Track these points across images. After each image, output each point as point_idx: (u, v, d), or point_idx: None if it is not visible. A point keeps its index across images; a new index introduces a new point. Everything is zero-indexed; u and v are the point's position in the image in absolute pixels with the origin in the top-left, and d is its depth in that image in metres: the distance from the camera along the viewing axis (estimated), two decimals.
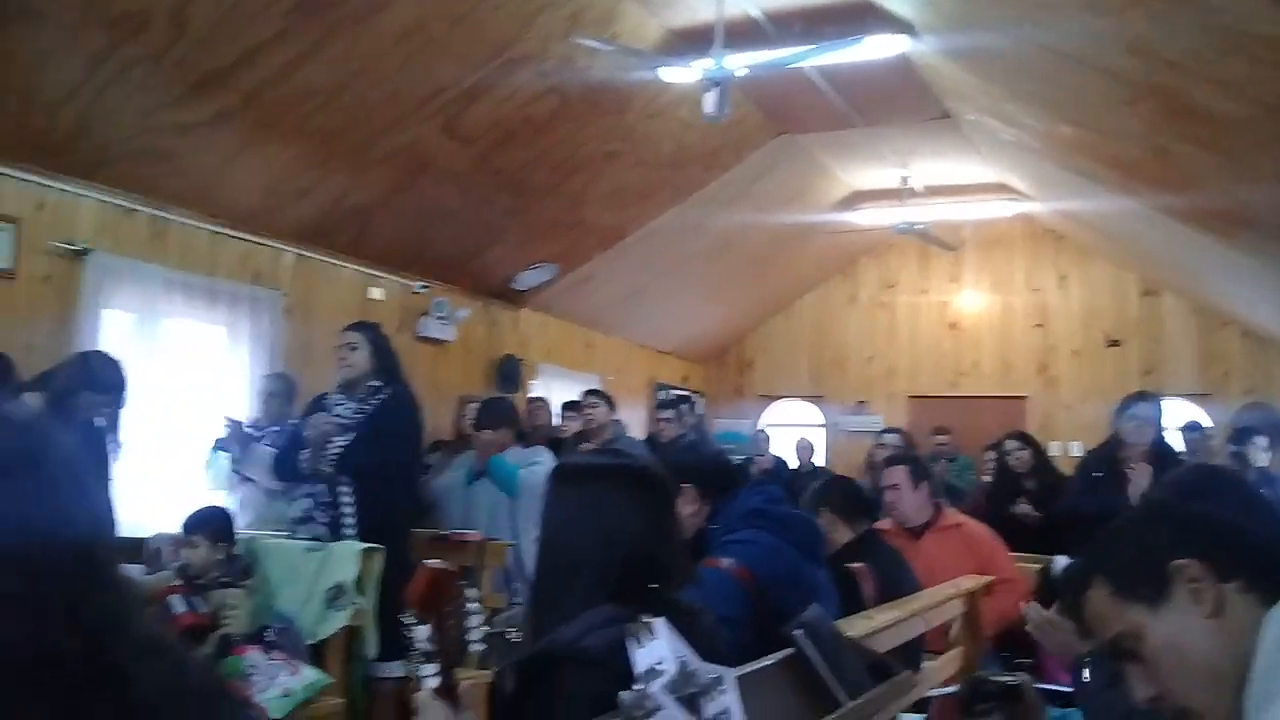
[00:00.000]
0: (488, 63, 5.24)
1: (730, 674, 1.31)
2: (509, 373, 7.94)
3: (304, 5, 4.39)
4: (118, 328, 5.16)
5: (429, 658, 1.46)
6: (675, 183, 7.27)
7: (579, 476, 1.63)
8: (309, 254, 6.32)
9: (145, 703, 0.81)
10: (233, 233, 5.82)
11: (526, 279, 7.73)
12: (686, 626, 1.35)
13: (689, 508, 2.43)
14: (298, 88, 4.86)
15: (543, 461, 5.13)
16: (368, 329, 4.26)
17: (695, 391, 10.82)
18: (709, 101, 4.84)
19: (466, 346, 7.68)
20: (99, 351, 4.23)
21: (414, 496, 4.50)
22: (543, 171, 6.39)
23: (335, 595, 3.79)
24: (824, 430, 10.72)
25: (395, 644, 3.93)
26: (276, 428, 5.05)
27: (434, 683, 1.47)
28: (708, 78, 4.74)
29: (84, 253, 5.03)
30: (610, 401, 5.97)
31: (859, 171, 8.48)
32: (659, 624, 1.27)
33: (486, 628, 1.52)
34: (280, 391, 5.28)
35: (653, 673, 1.22)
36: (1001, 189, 8.64)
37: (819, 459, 9.23)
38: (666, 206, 7.58)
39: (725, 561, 2.27)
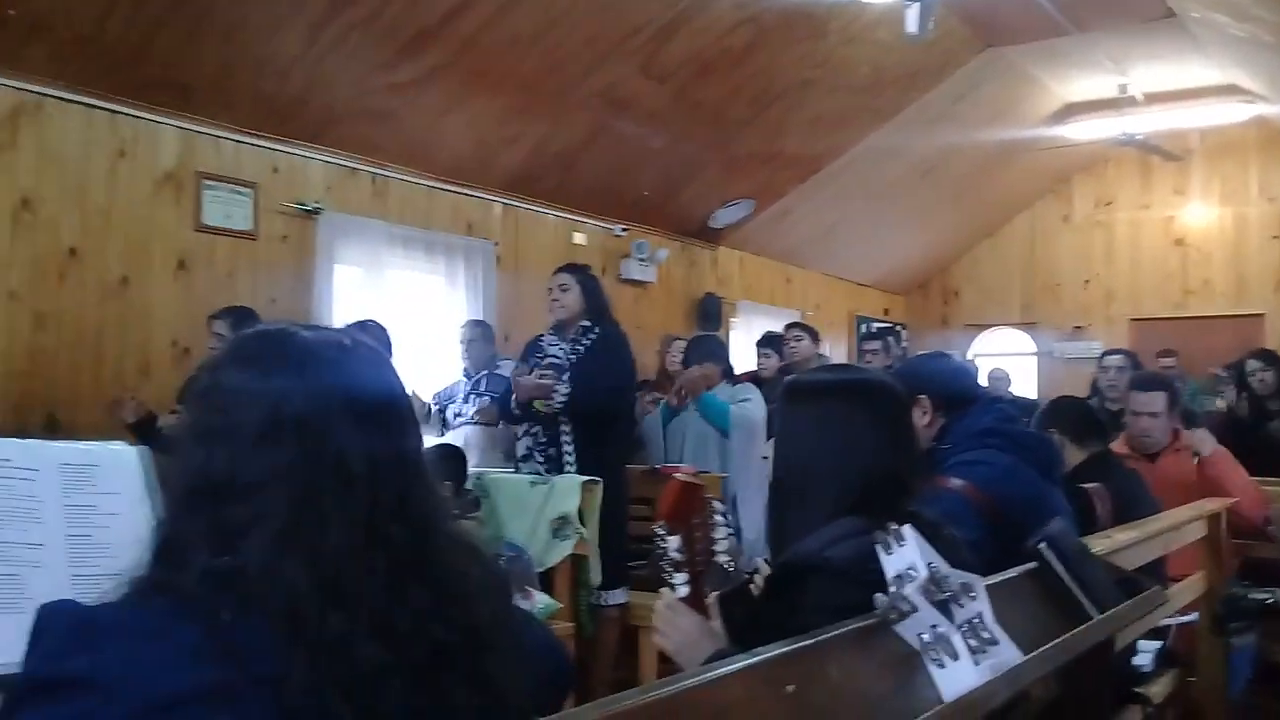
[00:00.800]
0: None
1: (979, 581, 1.31)
2: (710, 311, 7.99)
3: None
4: (347, 281, 5.51)
5: (678, 567, 1.53)
6: (874, 108, 7.07)
7: (815, 393, 1.63)
8: (516, 203, 6.54)
9: (456, 587, 0.93)
10: (446, 186, 6.09)
11: (724, 216, 7.73)
12: (930, 536, 1.35)
13: (923, 419, 2.38)
14: (503, 37, 5.00)
15: (751, 398, 5.17)
16: (578, 271, 4.39)
17: (898, 324, 10.58)
18: (911, 19, 4.69)
19: (667, 287, 7.78)
20: (373, 320, 4.55)
21: (628, 433, 4.62)
22: (740, 104, 6.35)
23: (560, 526, 3.97)
24: (1035, 359, 10.29)
25: (617, 573, 4.10)
26: (484, 371, 5.31)
27: (684, 591, 1.54)
28: None
29: (315, 212, 5.39)
30: (814, 334, 5.93)
31: (1072, 82, 7.99)
32: (907, 530, 1.28)
33: (732, 539, 1.57)
34: (479, 337, 5.48)
35: (904, 577, 1.24)
36: (1232, 91, 7.95)
37: (1027, 389, 8.87)
38: (865, 133, 7.40)
39: (956, 482, 2.24)
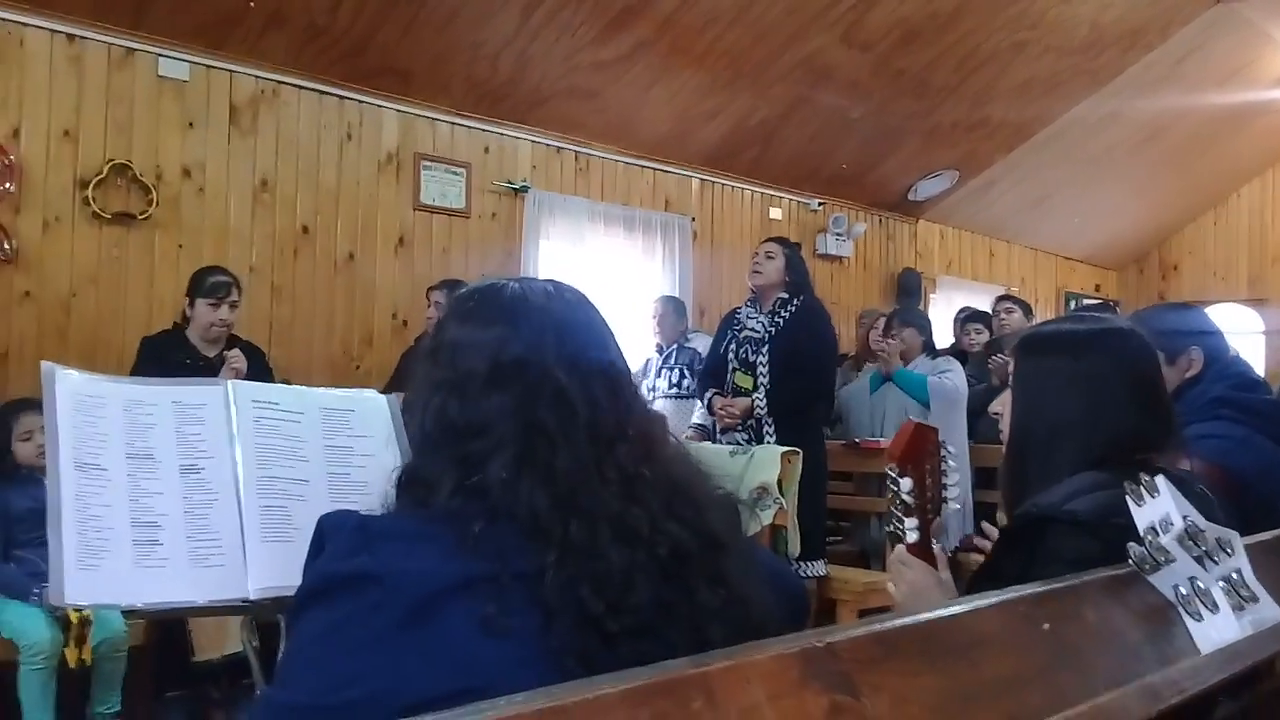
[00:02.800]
0: None
1: (1236, 536, 1.24)
2: (909, 286, 7.79)
3: None
4: (551, 256, 5.69)
5: (908, 511, 1.52)
6: (1090, 70, 6.70)
7: (1060, 345, 1.55)
8: (713, 179, 6.58)
9: (684, 494, 1.01)
10: (645, 163, 6.19)
11: (924, 188, 7.52)
12: (1183, 490, 1.29)
13: (1187, 370, 2.25)
14: (706, 10, 5.03)
15: (952, 370, 5.03)
16: (786, 243, 4.38)
17: (1110, 300, 10.03)
18: None
19: (864, 261, 7.65)
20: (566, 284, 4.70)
21: (828, 407, 4.58)
22: (944, 71, 6.15)
23: (760, 495, 3.97)
24: (1263, 338, 9.55)
25: (815, 545, 4.08)
26: (674, 344, 5.43)
27: (913, 537, 1.52)
28: None
29: (523, 190, 5.59)
30: (1026, 308, 5.69)
31: None
32: (1161, 480, 1.23)
33: (959, 489, 1.54)
34: (670, 311, 5.58)
35: (1159, 528, 1.19)
36: None
37: (1255, 369, 8.22)
38: (1079, 98, 7.02)
39: (1191, 462, 2.11)
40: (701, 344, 5.64)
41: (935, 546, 1.56)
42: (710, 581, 0.95)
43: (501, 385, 0.99)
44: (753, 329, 4.23)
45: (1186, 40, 6.82)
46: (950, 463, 1.53)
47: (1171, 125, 7.97)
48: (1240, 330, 9.54)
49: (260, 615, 1.41)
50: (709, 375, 4.42)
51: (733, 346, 4.27)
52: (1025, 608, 0.97)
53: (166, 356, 3.70)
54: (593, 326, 1.09)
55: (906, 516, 1.52)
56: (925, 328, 5.24)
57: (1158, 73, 7.06)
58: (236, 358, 3.74)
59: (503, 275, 1.13)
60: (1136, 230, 9.83)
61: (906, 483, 1.49)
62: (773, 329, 4.18)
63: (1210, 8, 6.61)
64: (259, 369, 3.88)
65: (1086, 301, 9.15)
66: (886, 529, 1.63)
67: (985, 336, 5.97)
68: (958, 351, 5.98)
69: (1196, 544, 1.20)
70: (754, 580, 1.00)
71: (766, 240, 4.42)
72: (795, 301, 4.22)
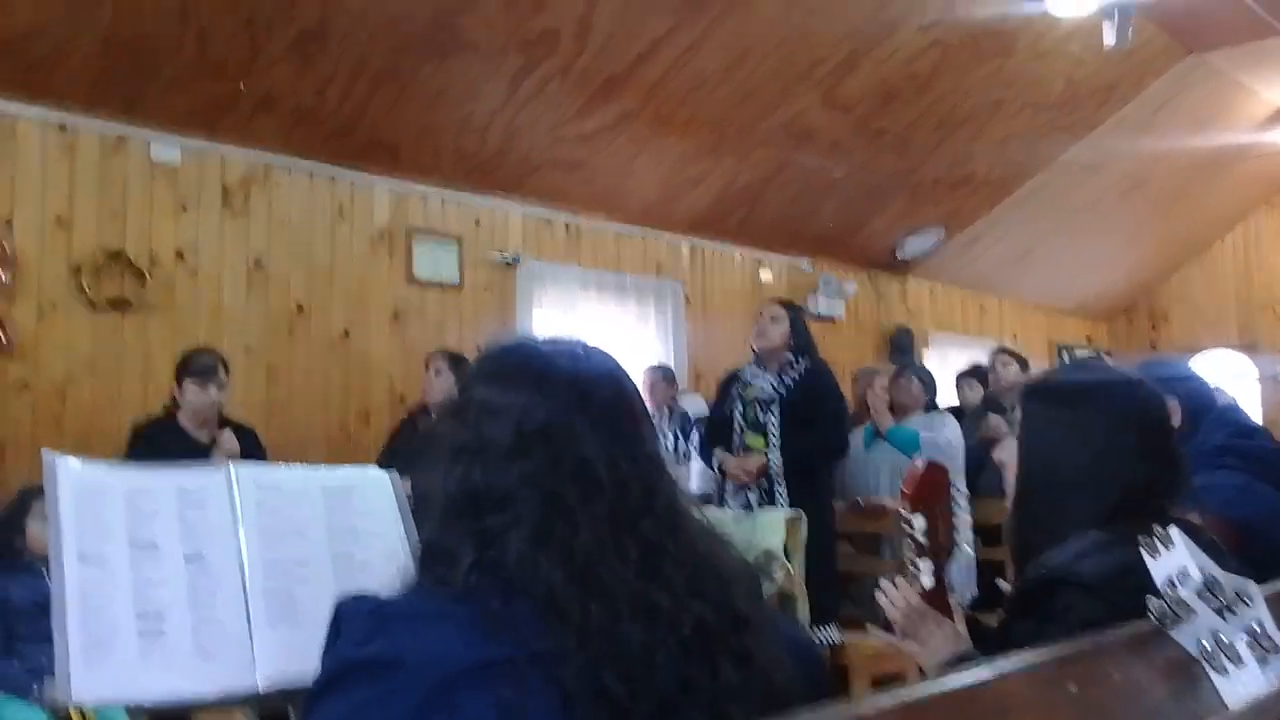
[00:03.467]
0: (865, 25, 5.21)
1: (1255, 587, 1.23)
2: (902, 344, 7.82)
3: None
4: (546, 325, 5.70)
5: (921, 552, 1.50)
6: (1067, 125, 6.81)
7: (1067, 395, 1.53)
8: (702, 242, 6.63)
9: (708, 568, 0.99)
10: (635, 230, 6.24)
11: (912, 246, 7.58)
12: (1194, 540, 1.28)
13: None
14: (690, 79, 5.11)
15: (946, 426, 5.04)
16: (791, 307, 4.41)
17: (1103, 351, 10.08)
18: (1109, 31, 4.53)
19: (856, 321, 7.69)
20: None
21: (835, 467, 4.55)
22: (925, 130, 6.25)
23: (765, 561, 3.94)
24: (1258, 384, 9.58)
25: (826, 609, 4.02)
26: (665, 409, 5.54)
27: (929, 582, 1.50)
28: (1108, 3, 4.41)
29: (515, 261, 5.62)
30: (1023, 362, 5.70)
31: None
32: (1174, 532, 1.22)
33: (974, 534, 1.53)
34: (660, 379, 5.68)
35: (1177, 580, 1.18)
36: None
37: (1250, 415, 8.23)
38: (1059, 151, 7.13)
39: (1192, 517, 2.09)
40: (691, 405, 5.66)
41: (951, 598, 1.54)
42: (734, 659, 0.94)
43: (525, 454, 0.98)
44: (760, 388, 4.21)
45: (1160, 92, 6.96)
46: (960, 503, 1.53)
47: (1152, 174, 8.10)
48: (1233, 376, 9.57)
49: (267, 706, 1.38)
50: (713, 437, 4.40)
51: (739, 407, 4.24)
52: (1051, 670, 0.95)
53: (158, 442, 3.68)
54: (620, 393, 1.07)
55: (920, 558, 1.50)
56: (929, 384, 5.24)
57: (1135, 124, 7.18)
58: (228, 440, 3.72)
59: (531, 335, 1.13)
60: (1125, 280, 9.92)
61: (920, 521, 1.48)
62: (782, 390, 4.17)
63: (1181, 60, 6.75)
64: (251, 448, 3.86)
65: (1079, 352, 9.19)
66: (894, 575, 1.61)
67: (978, 391, 5.99)
68: (955, 409, 5.98)
69: (1215, 596, 1.19)
70: (776, 653, 0.99)
71: (770, 302, 4.44)
72: (801, 361, 4.22)
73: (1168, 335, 10.24)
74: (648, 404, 5.39)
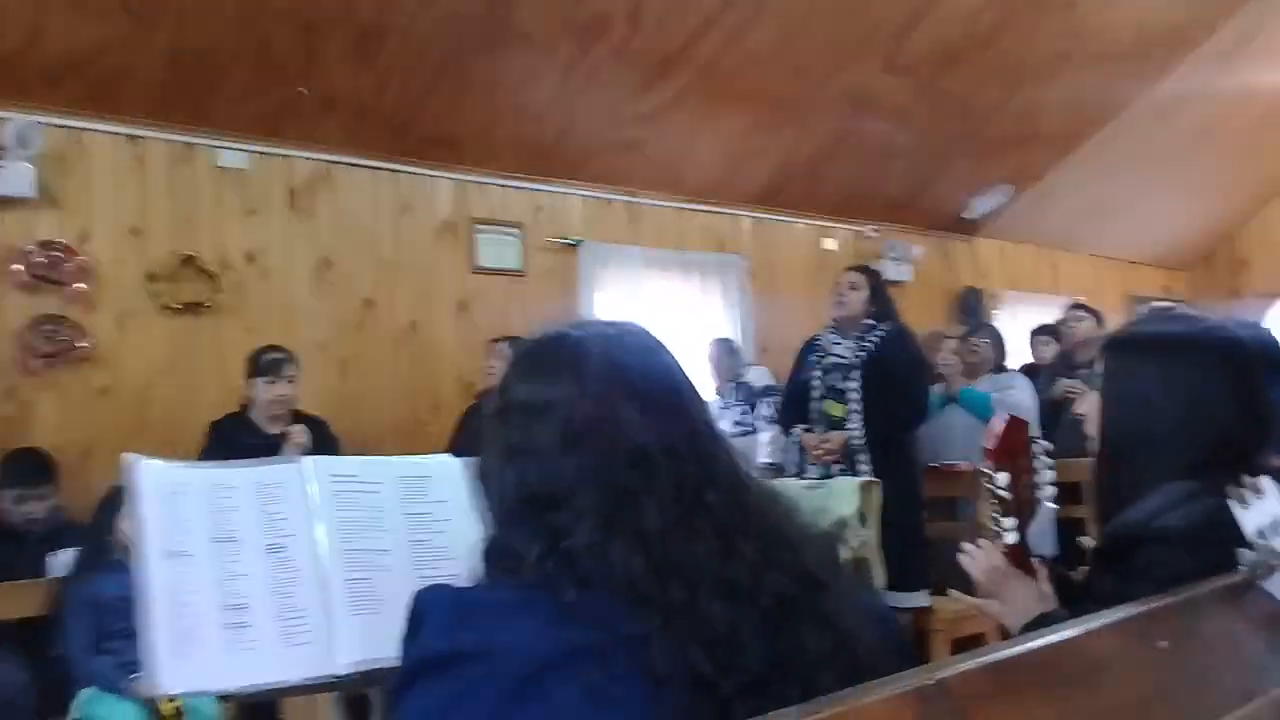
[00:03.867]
0: None
1: None
2: (971, 305, 7.68)
3: None
4: (610, 306, 5.70)
5: (1005, 509, 1.46)
6: (1139, 72, 6.59)
7: (1158, 347, 1.47)
8: (763, 215, 6.57)
9: (779, 536, 0.98)
10: (696, 206, 6.21)
11: (979, 206, 7.42)
12: None
13: None
14: (744, 53, 5.05)
15: (1017, 385, 4.94)
16: (870, 272, 4.32)
17: (1181, 300, 9.77)
18: None
19: (924, 284, 7.54)
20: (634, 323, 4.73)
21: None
22: (989, 89, 6.09)
23: (839, 529, 3.90)
24: None
25: (911, 575, 3.95)
26: (731, 383, 5.50)
27: (1012, 538, 1.46)
28: None
29: (576, 245, 5.63)
30: (1098, 316, 5.55)
31: None
32: (1266, 481, 1.18)
33: (1055, 488, 1.48)
34: (725, 353, 5.64)
35: (1268, 531, 1.14)
36: None
37: None
38: (1129, 101, 6.90)
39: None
40: (755, 377, 5.62)
41: (1034, 559, 1.50)
42: (818, 626, 0.92)
43: (577, 449, 0.96)
44: (839, 354, 4.12)
45: (1235, 31, 6.69)
46: (1043, 458, 1.48)
47: (1227, 118, 7.79)
48: None
49: (350, 690, 1.41)
50: (790, 405, 4.34)
51: (817, 374, 4.16)
52: (1140, 626, 0.93)
53: (232, 439, 3.78)
54: (661, 367, 1.05)
55: (1004, 515, 1.46)
56: (999, 344, 5.15)
57: (1209, 68, 6.92)
58: (298, 433, 3.79)
59: (560, 322, 1.10)
60: (1202, 228, 9.59)
61: (1003, 477, 1.44)
62: (861, 353, 4.08)
63: None
64: (324, 440, 3.93)
65: (1155, 303, 8.92)
66: (979, 533, 1.58)
67: (1053, 348, 5.85)
68: (1029, 367, 5.86)
69: None
70: (857, 617, 0.97)
71: (848, 269, 4.34)
72: (882, 326, 4.13)
73: (1249, 281, 9.88)
74: (713, 378, 5.43)
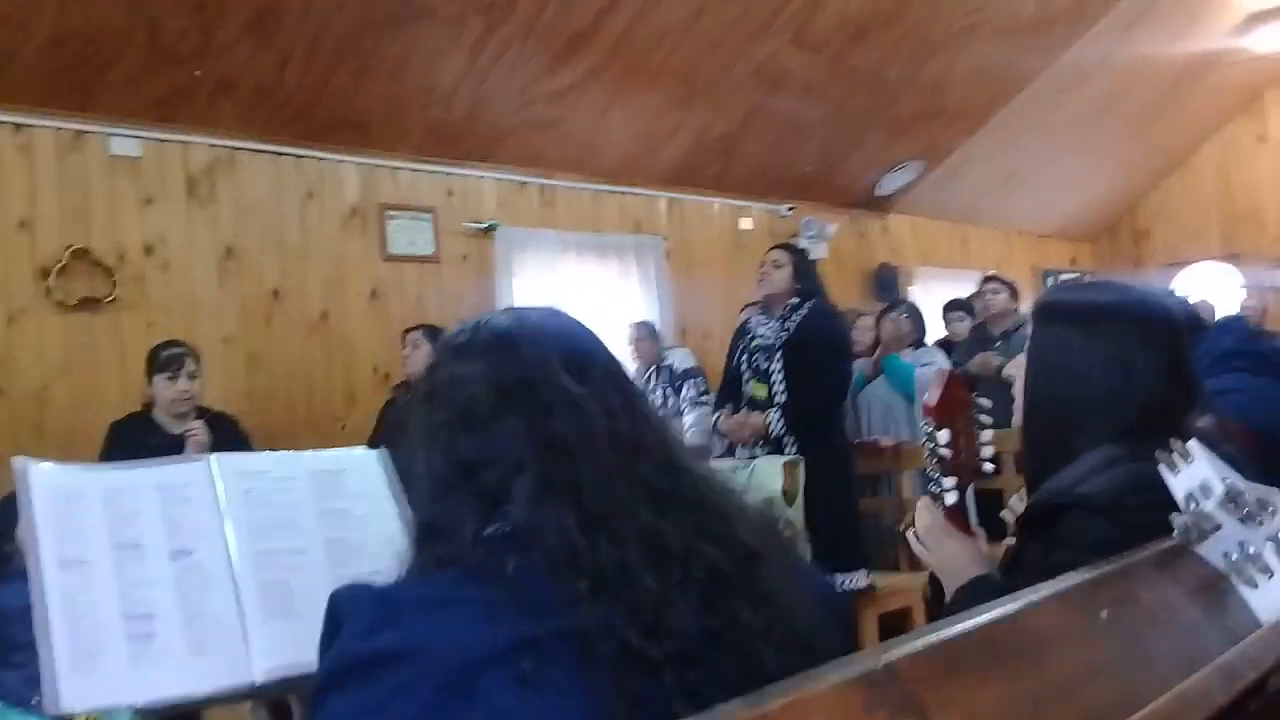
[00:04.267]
0: None
1: (1277, 493, 1.19)
2: (886, 281, 7.78)
3: None
4: (526, 290, 5.63)
5: (944, 468, 1.45)
6: (1042, 46, 6.72)
7: (1083, 314, 1.47)
8: (680, 195, 6.55)
9: (714, 508, 0.96)
10: (611, 188, 6.16)
11: (891, 182, 7.51)
12: (1211, 449, 1.24)
13: None
14: (655, 29, 5.01)
15: (936, 360, 5.01)
16: (793, 250, 4.33)
17: (1087, 272, 10.05)
18: None
19: (839, 261, 7.61)
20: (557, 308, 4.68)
21: (842, 405, 4.48)
22: (898, 63, 6.15)
23: (765, 507, 3.90)
24: (1244, 292, 9.57)
25: (853, 553, 3.97)
26: (652, 366, 5.51)
27: (951, 499, 1.45)
28: None
29: (490, 229, 5.54)
30: (1012, 289, 5.63)
31: None
32: (1194, 445, 1.18)
33: (993, 448, 1.48)
34: (645, 336, 5.64)
35: (1199, 495, 1.14)
36: None
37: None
38: (1035, 73, 7.04)
39: (1205, 420, 2.06)
40: (677, 360, 5.62)
41: (972, 522, 1.50)
42: (753, 600, 0.90)
43: (509, 407, 0.94)
44: (763, 335, 4.13)
45: (1130, 6, 6.87)
46: (983, 417, 1.47)
47: (1128, 89, 8.01)
48: (1219, 288, 9.57)
49: (269, 697, 1.35)
50: (724, 392, 4.33)
51: (744, 358, 4.17)
52: (1080, 597, 0.91)
53: (134, 440, 3.64)
54: (591, 341, 1.04)
55: (944, 476, 1.45)
56: (918, 319, 5.22)
57: (1107, 43, 7.09)
58: (197, 431, 3.66)
59: (485, 312, 1.08)
60: (1106, 200, 9.87)
61: (943, 435, 1.43)
62: (784, 334, 4.08)
63: None
64: (232, 437, 3.80)
65: (1064, 276, 9.16)
66: (922, 492, 1.57)
67: (967, 323, 5.96)
68: (944, 342, 5.96)
69: (1238, 505, 1.15)
70: (796, 590, 0.94)
71: (773, 248, 4.34)
72: (806, 305, 4.13)
73: (1151, 251, 10.21)
74: (634, 362, 5.42)
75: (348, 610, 0.87)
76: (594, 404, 0.94)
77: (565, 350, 0.98)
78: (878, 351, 5.21)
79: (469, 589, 0.86)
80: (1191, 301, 7.46)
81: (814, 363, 4.01)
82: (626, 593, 0.85)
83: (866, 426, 5.10)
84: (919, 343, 5.33)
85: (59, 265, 4.18)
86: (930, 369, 4.84)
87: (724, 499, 0.99)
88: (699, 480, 0.98)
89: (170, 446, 3.60)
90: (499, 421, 0.93)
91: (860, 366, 5.48)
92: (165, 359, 3.76)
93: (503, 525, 0.90)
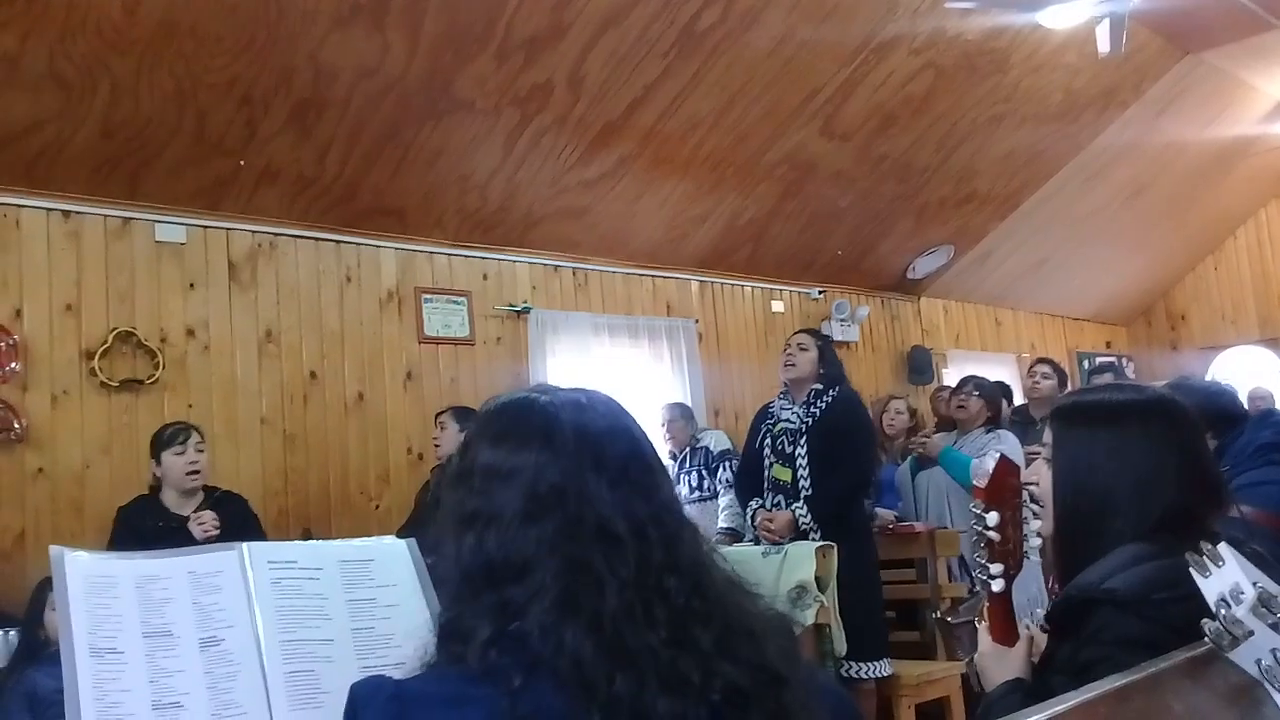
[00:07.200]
0: (858, 54, 5.22)
1: None
2: (919, 364, 7.76)
3: (682, 39, 4.63)
4: (559, 372, 5.67)
5: (993, 552, 1.43)
6: (1069, 134, 6.79)
7: (1102, 416, 1.50)
8: (711, 279, 6.61)
9: (739, 625, 0.95)
10: (643, 271, 6.23)
11: (922, 266, 7.55)
12: (1246, 537, 1.23)
13: None
14: (685, 120, 5.12)
15: (1008, 446, 4.90)
16: (817, 335, 4.32)
17: (1122, 355, 9.97)
18: (1103, 39, 4.50)
19: (872, 344, 7.63)
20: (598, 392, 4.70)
21: (875, 494, 4.44)
22: (926, 151, 6.23)
23: (798, 595, 3.85)
24: None
25: (876, 642, 3.91)
26: (687, 449, 5.48)
27: (999, 586, 1.44)
28: (1099, 13, 4.39)
29: (525, 312, 5.61)
30: (1061, 374, 5.53)
31: None
32: (1225, 548, 1.17)
33: (1040, 539, 1.47)
34: (679, 417, 5.60)
35: (1230, 599, 1.12)
36: None
37: None
38: (1063, 161, 7.10)
39: (1243, 509, 2.04)
40: (712, 441, 5.60)
41: (1021, 625, 1.49)
42: (770, 719, 0.89)
43: (541, 517, 0.93)
44: (788, 420, 4.10)
45: (1160, 94, 6.93)
46: (1033, 507, 1.47)
47: (1157, 178, 8.05)
48: (1259, 372, 9.44)
49: None
50: (745, 475, 4.31)
51: (768, 440, 4.15)
52: (1107, 707, 0.90)
53: (140, 522, 3.61)
54: (631, 441, 1.02)
55: (991, 562, 1.44)
56: (991, 395, 5.02)
57: (1137, 128, 7.15)
58: (204, 521, 3.59)
59: (529, 388, 1.07)
60: (1140, 283, 9.84)
61: (993, 517, 1.42)
62: (809, 419, 4.06)
63: (1179, 60, 6.72)
64: (242, 518, 3.78)
65: (1099, 359, 9.08)
66: (971, 582, 1.56)
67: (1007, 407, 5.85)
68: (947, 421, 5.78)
69: (1271, 610, 1.13)
70: (816, 711, 0.94)
71: (798, 332, 4.35)
72: (831, 392, 4.11)
73: (1188, 335, 10.13)
74: (668, 443, 5.40)
75: (365, 704, 0.89)
76: (625, 524, 0.93)
77: (602, 457, 0.97)
78: (931, 444, 5.01)
79: (480, 689, 0.86)
80: (1247, 388, 7.38)
81: (839, 449, 3.99)
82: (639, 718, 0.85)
83: (924, 509, 4.96)
84: (993, 422, 5.03)
85: (103, 347, 4.26)
86: (987, 459, 4.72)
87: (751, 614, 0.98)
88: (727, 595, 0.97)
89: (177, 528, 3.57)
90: (527, 530, 0.93)
91: (897, 449, 5.43)
92: (171, 433, 3.75)
93: (518, 630, 0.90)
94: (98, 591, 1.36)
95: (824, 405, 4.07)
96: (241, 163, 4.42)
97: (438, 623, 0.97)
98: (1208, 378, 9.18)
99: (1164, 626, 1.23)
